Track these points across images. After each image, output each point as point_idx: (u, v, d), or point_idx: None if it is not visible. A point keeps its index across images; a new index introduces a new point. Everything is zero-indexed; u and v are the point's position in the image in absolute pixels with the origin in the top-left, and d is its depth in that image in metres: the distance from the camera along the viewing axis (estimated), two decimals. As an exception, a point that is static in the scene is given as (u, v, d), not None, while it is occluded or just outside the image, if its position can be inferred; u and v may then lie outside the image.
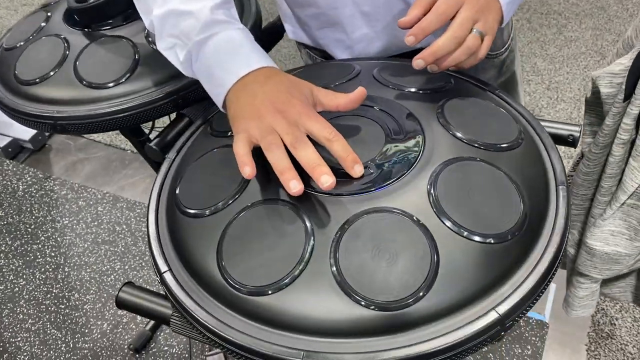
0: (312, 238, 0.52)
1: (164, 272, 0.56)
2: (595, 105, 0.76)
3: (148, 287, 1.74)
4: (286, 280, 0.50)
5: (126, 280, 1.77)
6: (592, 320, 1.50)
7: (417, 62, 0.63)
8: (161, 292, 0.60)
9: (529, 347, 1.47)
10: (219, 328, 0.50)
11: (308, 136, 0.56)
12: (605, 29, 2.51)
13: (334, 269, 0.50)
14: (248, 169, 0.54)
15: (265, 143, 0.56)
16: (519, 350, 1.46)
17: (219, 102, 0.64)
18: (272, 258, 0.51)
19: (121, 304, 0.60)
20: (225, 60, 0.63)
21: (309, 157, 0.54)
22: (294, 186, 0.53)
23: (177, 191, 0.61)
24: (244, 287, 0.51)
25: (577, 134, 0.69)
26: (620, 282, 0.88)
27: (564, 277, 1.05)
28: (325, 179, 0.52)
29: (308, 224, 0.53)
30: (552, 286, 1.59)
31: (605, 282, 0.90)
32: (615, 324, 1.49)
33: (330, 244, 0.51)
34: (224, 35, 0.64)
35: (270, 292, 0.50)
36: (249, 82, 0.61)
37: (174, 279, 0.55)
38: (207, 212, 0.57)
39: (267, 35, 1.03)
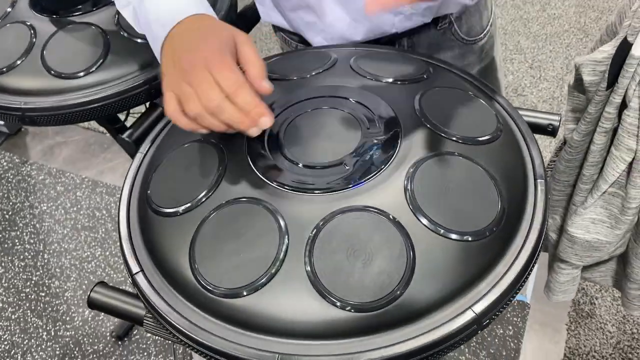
0: (287, 238, 0.51)
1: (136, 273, 0.55)
2: (578, 91, 0.76)
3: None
4: (260, 282, 0.49)
5: (107, 266, 1.75)
6: (572, 300, 1.52)
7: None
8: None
9: (510, 327, 1.48)
10: (193, 331, 0.49)
11: None
12: (589, 5, 2.50)
13: (309, 270, 0.49)
14: (203, 131, 0.55)
15: (189, 113, 0.54)
16: (501, 331, 1.48)
17: (159, 59, 0.62)
18: (245, 259, 0.50)
19: (93, 304, 0.59)
20: (159, 13, 0.61)
21: (231, 118, 0.53)
22: (253, 130, 0.54)
23: (149, 189, 0.59)
24: (217, 289, 0.50)
25: (556, 124, 0.68)
26: (600, 267, 0.89)
27: (546, 258, 1.06)
28: (263, 121, 0.53)
29: (282, 224, 0.51)
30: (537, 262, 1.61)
31: (586, 267, 0.90)
32: (595, 304, 1.51)
33: (305, 244, 0.50)
34: None
35: (244, 294, 0.49)
36: (174, 35, 0.59)
37: (146, 281, 0.54)
38: (179, 211, 0.55)
39: (244, 19, 1.00)
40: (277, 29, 0.93)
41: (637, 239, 0.79)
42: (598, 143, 0.71)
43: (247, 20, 1.00)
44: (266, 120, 0.54)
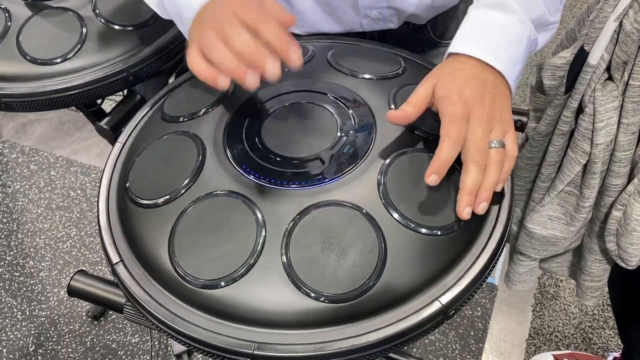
0: (264, 231, 0.52)
1: (116, 263, 0.56)
2: (539, 92, 0.78)
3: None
4: (238, 274, 0.51)
5: (82, 246, 1.75)
6: (538, 282, 1.58)
7: (431, 179, 0.53)
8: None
9: (478, 308, 1.54)
10: (172, 321, 0.51)
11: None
12: (563, -7, 2.53)
13: (285, 262, 0.51)
14: (221, 81, 0.52)
15: (205, 49, 0.53)
16: (469, 312, 1.53)
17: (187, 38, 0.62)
18: (223, 251, 0.52)
19: (73, 292, 0.60)
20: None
21: (244, 47, 0.51)
22: (251, 81, 0.51)
23: (128, 180, 0.60)
24: (196, 280, 0.51)
25: (525, 120, 0.71)
26: (557, 259, 0.94)
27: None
28: (269, 65, 0.50)
29: (260, 217, 0.53)
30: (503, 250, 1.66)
31: (544, 258, 0.95)
32: (559, 286, 1.57)
33: (282, 237, 0.52)
34: None
35: (222, 285, 0.51)
36: (203, 8, 0.59)
37: (126, 271, 0.55)
38: (159, 202, 0.57)
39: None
40: None
41: (591, 234, 0.83)
42: (556, 144, 0.74)
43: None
44: (295, 56, 0.52)
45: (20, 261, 1.74)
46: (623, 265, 0.79)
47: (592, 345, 1.46)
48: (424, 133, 0.59)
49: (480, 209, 0.54)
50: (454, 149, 0.53)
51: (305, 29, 0.83)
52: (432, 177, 0.53)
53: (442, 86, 0.56)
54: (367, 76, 0.66)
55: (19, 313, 1.62)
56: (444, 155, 0.53)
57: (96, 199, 0.63)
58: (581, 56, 0.67)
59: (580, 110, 0.70)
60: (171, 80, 0.84)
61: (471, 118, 0.54)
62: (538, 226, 0.81)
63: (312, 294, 0.49)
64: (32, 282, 1.69)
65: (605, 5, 0.63)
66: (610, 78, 0.69)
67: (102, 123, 0.77)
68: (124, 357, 1.52)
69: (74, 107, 2.21)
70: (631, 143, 0.71)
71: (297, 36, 0.88)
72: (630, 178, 0.74)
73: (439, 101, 0.55)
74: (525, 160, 0.82)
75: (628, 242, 0.75)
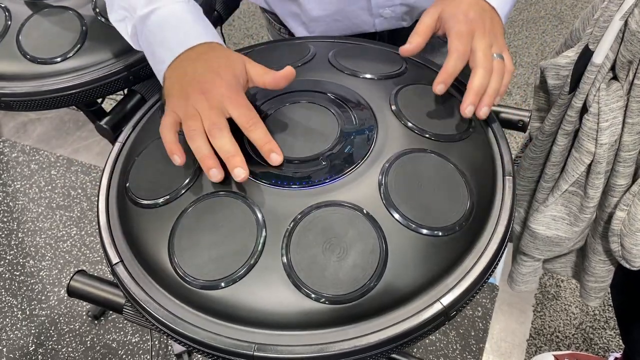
0: (264, 231, 0.52)
1: (116, 264, 0.56)
2: (543, 91, 0.78)
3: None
4: (238, 275, 0.50)
5: (83, 246, 1.75)
6: (539, 283, 1.58)
7: (439, 88, 0.61)
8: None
9: (479, 308, 1.53)
10: (172, 322, 0.51)
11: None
12: (565, -8, 2.52)
13: (286, 263, 0.50)
14: (177, 158, 0.55)
15: (186, 128, 0.55)
16: (470, 312, 1.53)
17: (160, 79, 0.63)
18: (223, 252, 0.52)
19: (73, 293, 0.60)
20: (165, 37, 0.62)
21: (223, 146, 0.54)
22: (214, 175, 0.54)
23: (128, 180, 0.60)
24: (196, 280, 0.51)
25: (526, 119, 0.70)
26: (561, 259, 0.93)
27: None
28: (237, 172, 0.53)
29: (260, 217, 0.53)
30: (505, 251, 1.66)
31: (548, 259, 0.94)
32: (560, 286, 1.57)
33: (282, 238, 0.52)
34: (165, 10, 0.62)
35: (222, 286, 0.50)
36: (183, 60, 0.60)
37: (125, 271, 0.55)
38: (159, 203, 0.56)
39: (223, 4, 0.99)
40: (262, 8, 0.94)
41: (595, 235, 0.82)
42: (560, 144, 0.74)
43: (226, 5, 1.00)
44: (277, 158, 0.55)
45: (21, 260, 1.74)
46: (627, 266, 0.79)
47: (593, 346, 1.46)
48: (425, 133, 0.59)
49: (483, 113, 0.59)
50: (460, 61, 0.60)
51: (316, 34, 0.83)
52: (440, 87, 0.60)
53: (448, 10, 0.63)
54: (368, 76, 0.66)
55: (19, 312, 1.62)
56: (451, 67, 0.59)
57: (96, 199, 0.62)
58: (585, 55, 0.67)
59: (584, 109, 0.69)
60: (171, 79, 0.84)
61: (475, 34, 0.61)
62: (542, 226, 0.81)
63: (313, 295, 0.49)
64: (32, 281, 1.69)
65: (610, 4, 0.63)
66: (615, 77, 0.68)
67: (103, 122, 0.77)
68: (124, 356, 1.51)
69: (74, 107, 2.21)
70: (636, 143, 0.70)
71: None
72: (634, 178, 0.73)
73: (445, 21, 0.63)
74: (528, 160, 0.82)
75: (632, 243, 0.74)
